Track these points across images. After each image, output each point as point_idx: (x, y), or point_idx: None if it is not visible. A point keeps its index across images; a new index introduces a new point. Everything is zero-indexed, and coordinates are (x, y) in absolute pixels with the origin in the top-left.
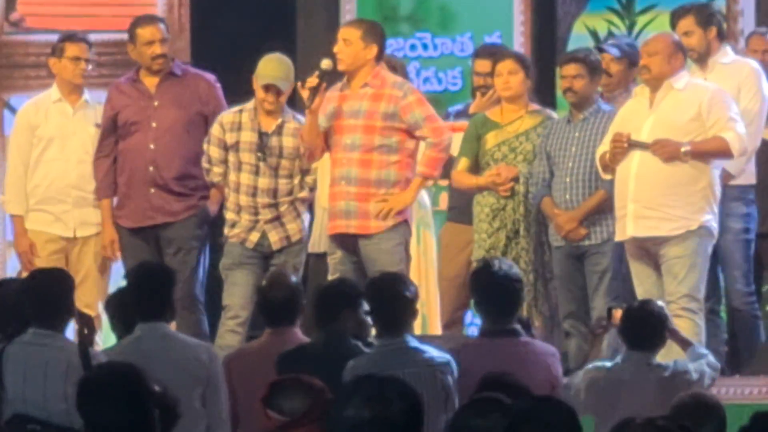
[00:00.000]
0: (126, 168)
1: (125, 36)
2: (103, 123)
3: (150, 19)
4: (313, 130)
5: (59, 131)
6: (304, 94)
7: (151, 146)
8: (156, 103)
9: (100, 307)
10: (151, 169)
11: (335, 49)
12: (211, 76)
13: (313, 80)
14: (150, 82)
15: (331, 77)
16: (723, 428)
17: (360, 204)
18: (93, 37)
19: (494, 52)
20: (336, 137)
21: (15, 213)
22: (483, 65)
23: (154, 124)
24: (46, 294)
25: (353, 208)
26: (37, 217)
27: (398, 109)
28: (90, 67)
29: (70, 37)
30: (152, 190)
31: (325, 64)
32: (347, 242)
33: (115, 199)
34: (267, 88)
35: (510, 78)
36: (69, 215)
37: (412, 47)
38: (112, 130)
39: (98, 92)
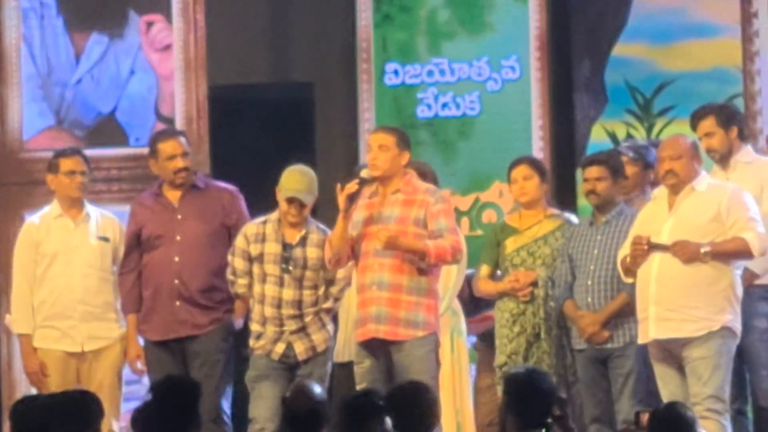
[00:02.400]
0: (151, 281)
1: (143, 150)
2: (126, 238)
3: (171, 133)
4: (344, 236)
5: (62, 246)
6: (341, 199)
7: (176, 259)
8: (179, 216)
9: (114, 424)
10: (176, 282)
11: (370, 156)
12: (233, 188)
13: (352, 186)
14: (173, 195)
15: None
16: None
17: (390, 310)
18: (112, 152)
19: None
20: (366, 243)
21: (22, 332)
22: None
23: (178, 238)
24: (74, 412)
25: (384, 314)
26: (45, 333)
27: (427, 214)
28: (86, 179)
29: (63, 152)
30: (178, 303)
31: (366, 173)
32: (377, 349)
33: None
34: (290, 201)
35: (525, 183)
36: (76, 330)
37: (429, 73)
38: (136, 245)
39: (118, 207)
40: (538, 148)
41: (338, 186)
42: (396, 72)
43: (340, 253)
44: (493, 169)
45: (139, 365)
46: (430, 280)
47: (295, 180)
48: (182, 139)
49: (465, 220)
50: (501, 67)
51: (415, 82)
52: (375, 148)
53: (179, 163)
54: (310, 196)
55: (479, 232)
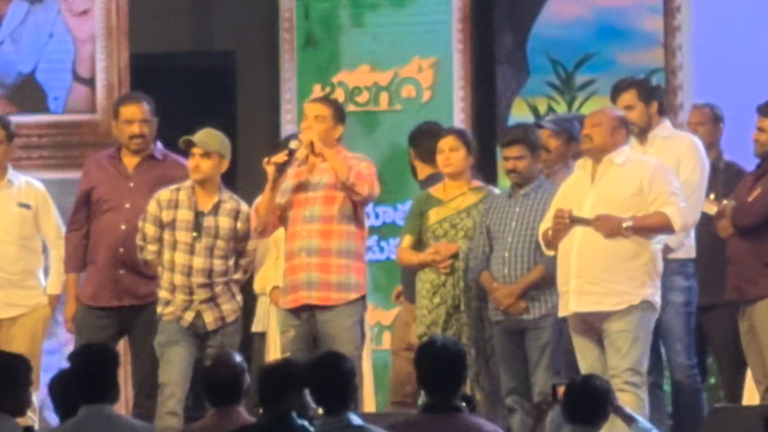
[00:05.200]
0: (97, 246)
1: (63, 117)
2: (77, 196)
3: (133, 98)
4: (271, 207)
5: None
6: (269, 169)
7: (123, 227)
8: (131, 184)
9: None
10: (121, 250)
11: (304, 125)
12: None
13: (280, 157)
14: (129, 161)
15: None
16: None
17: (321, 275)
18: (33, 119)
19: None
20: (295, 211)
21: None
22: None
23: (127, 205)
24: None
25: (315, 279)
26: None
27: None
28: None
29: None
30: (121, 271)
31: (295, 144)
32: (305, 316)
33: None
34: (187, 144)
35: (451, 154)
36: None
37: None
38: (85, 204)
39: (41, 173)
40: (460, 121)
41: (266, 159)
42: None
43: (266, 222)
44: (413, 44)
45: None
46: (358, 243)
47: (204, 133)
48: (145, 106)
49: (384, 95)
50: None
51: None
52: (310, 117)
53: (135, 129)
54: (215, 151)
55: (398, 107)
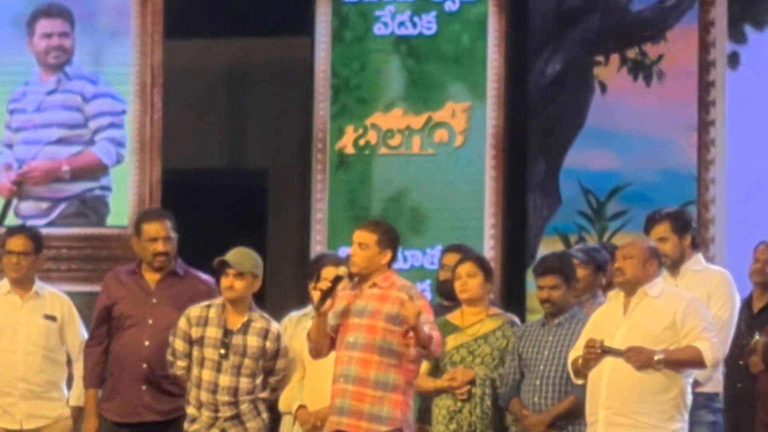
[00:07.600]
0: (118, 361)
1: (94, 230)
2: (97, 311)
3: (156, 215)
4: (320, 331)
5: (7, 323)
6: (315, 295)
7: (146, 343)
8: (154, 300)
9: None
10: (144, 366)
11: (350, 252)
12: (211, 280)
13: (325, 283)
14: (151, 277)
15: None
16: None
17: (354, 403)
18: (64, 231)
19: (460, 250)
20: (341, 335)
21: None
22: (451, 258)
23: (150, 321)
24: None
25: (347, 406)
26: None
27: (401, 310)
28: (27, 260)
29: (8, 231)
30: (143, 387)
31: (342, 270)
32: None
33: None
34: (221, 264)
35: (468, 280)
36: (16, 408)
37: None
38: (106, 320)
39: (69, 286)
40: (489, 248)
41: (311, 284)
42: None
43: (318, 346)
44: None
45: None
46: (398, 374)
47: (234, 252)
48: (168, 223)
49: (417, 139)
50: None
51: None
52: (355, 244)
53: (159, 246)
54: (249, 272)
55: (430, 150)
